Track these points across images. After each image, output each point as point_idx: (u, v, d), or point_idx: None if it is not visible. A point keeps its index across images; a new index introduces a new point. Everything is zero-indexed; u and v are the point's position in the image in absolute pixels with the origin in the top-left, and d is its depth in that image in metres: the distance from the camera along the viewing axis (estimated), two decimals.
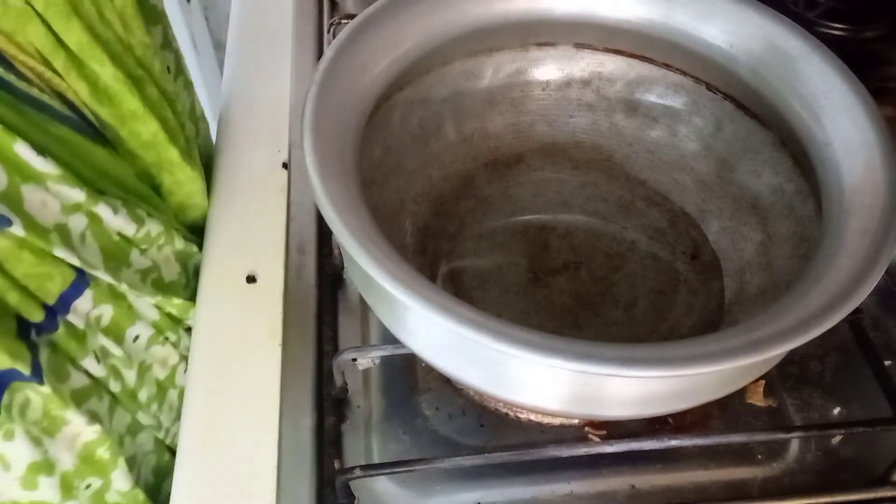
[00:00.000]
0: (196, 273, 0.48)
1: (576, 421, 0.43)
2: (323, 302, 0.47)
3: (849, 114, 0.39)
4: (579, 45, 0.49)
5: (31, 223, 0.35)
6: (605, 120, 0.51)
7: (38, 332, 0.37)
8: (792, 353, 0.45)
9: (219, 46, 1.14)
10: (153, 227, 0.43)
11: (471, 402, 0.44)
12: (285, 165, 0.52)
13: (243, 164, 0.53)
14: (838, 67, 0.40)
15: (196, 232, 0.49)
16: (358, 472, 0.37)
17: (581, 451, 0.39)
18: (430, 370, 0.44)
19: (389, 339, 0.39)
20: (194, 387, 0.42)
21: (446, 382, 0.44)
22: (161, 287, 0.45)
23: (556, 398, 0.34)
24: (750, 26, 0.43)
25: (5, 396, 0.35)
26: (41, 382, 0.36)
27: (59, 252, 0.36)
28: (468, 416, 0.43)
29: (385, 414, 0.43)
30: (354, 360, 0.42)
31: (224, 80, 0.59)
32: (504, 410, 0.43)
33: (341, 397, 0.43)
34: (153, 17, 0.46)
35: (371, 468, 0.39)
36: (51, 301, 0.37)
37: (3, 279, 0.35)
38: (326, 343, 0.44)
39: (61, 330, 0.38)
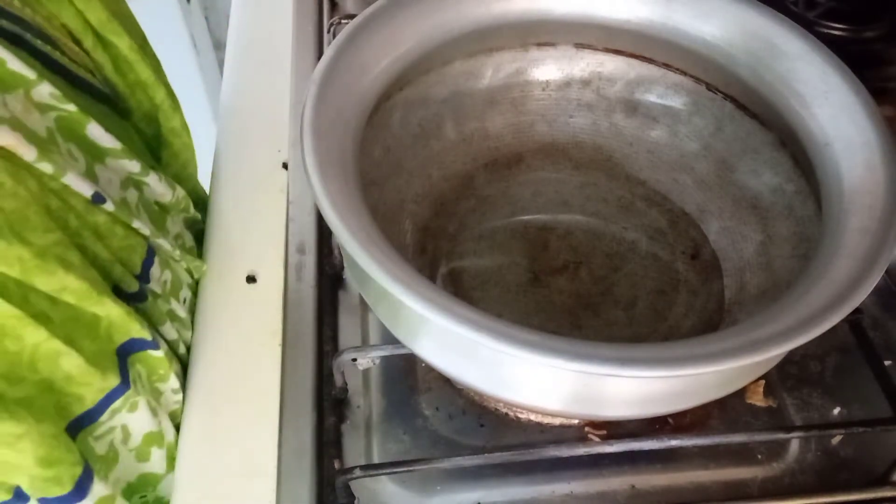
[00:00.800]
0: (197, 240, 0.48)
1: (576, 421, 0.43)
2: (323, 302, 0.47)
3: (849, 114, 0.39)
4: (579, 45, 0.49)
5: (112, 200, 0.36)
6: (605, 120, 0.51)
7: (130, 302, 0.37)
8: (792, 353, 0.45)
9: (219, 46, 1.14)
10: (179, 192, 0.44)
11: (471, 402, 0.44)
12: (285, 165, 0.52)
13: (243, 164, 0.53)
14: (838, 67, 0.40)
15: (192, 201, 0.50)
16: (358, 472, 0.37)
17: (581, 451, 0.39)
18: (430, 370, 0.44)
19: (389, 339, 0.39)
20: (194, 387, 0.42)
21: (446, 382, 0.44)
22: (186, 251, 0.45)
23: (556, 398, 0.34)
24: (750, 26, 0.43)
25: (131, 369, 0.36)
26: (156, 348, 0.38)
27: (136, 223, 0.37)
28: (468, 416, 0.43)
29: (385, 414, 0.43)
30: (354, 360, 0.42)
31: (224, 80, 0.59)
32: (504, 410, 0.43)
33: (341, 397, 0.43)
34: None
35: (371, 468, 0.39)
36: (137, 270, 0.38)
37: (108, 253, 0.35)
38: (326, 343, 0.44)
39: (149, 298, 0.39)
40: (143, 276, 0.39)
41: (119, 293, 0.36)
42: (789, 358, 0.46)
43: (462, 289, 0.45)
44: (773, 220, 0.44)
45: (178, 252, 0.42)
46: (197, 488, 0.39)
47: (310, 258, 0.49)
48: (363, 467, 0.38)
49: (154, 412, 0.38)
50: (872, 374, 0.42)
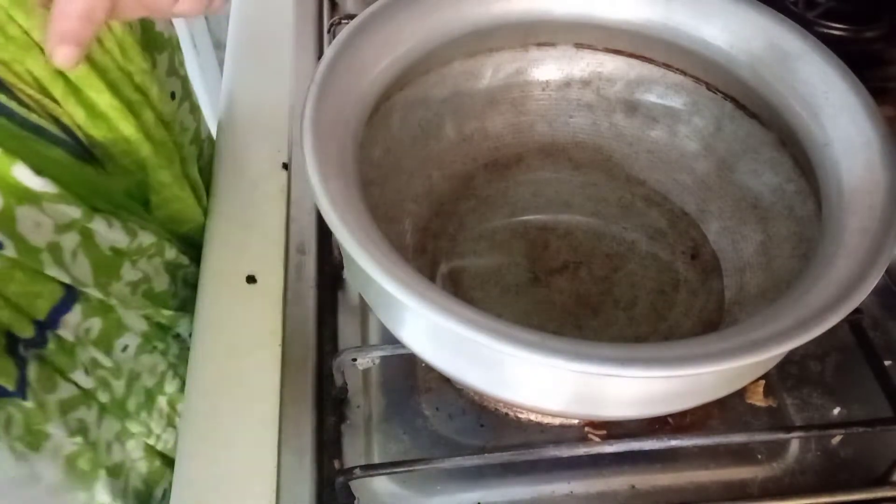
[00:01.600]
0: (185, 283, 0.48)
1: (576, 421, 0.43)
2: (323, 302, 0.47)
3: (849, 114, 0.39)
4: (579, 45, 0.49)
5: (23, 245, 0.35)
6: (605, 120, 0.51)
7: (27, 347, 0.37)
8: (792, 353, 0.45)
9: (219, 46, 1.14)
10: (145, 239, 0.43)
11: (471, 402, 0.44)
12: (285, 165, 0.52)
13: (243, 165, 0.53)
14: (838, 67, 0.40)
15: (190, 242, 0.49)
16: (358, 472, 0.37)
17: (581, 451, 0.39)
18: (430, 370, 0.44)
19: (389, 339, 0.39)
20: (194, 387, 0.42)
21: (446, 382, 0.44)
22: (152, 297, 0.45)
23: (556, 398, 0.34)
24: (750, 26, 0.43)
25: None
26: (24, 398, 0.37)
27: (51, 271, 0.37)
28: (468, 416, 0.43)
29: (385, 414, 0.43)
30: (354, 360, 0.42)
31: (224, 80, 0.59)
32: (504, 410, 0.43)
33: (341, 397, 0.43)
34: (158, 44, 0.46)
35: (371, 468, 0.39)
36: (41, 317, 0.38)
37: None
38: (326, 343, 0.44)
39: (50, 344, 0.39)
40: (49, 323, 0.38)
41: (11, 338, 0.36)
42: (789, 358, 0.46)
43: (462, 289, 0.45)
44: (773, 220, 0.44)
45: (114, 299, 0.41)
46: (197, 488, 0.39)
47: (310, 258, 0.49)
48: (363, 467, 0.38)
49: (23, 456, 0.38)
50: (872, 374, 0.42)
